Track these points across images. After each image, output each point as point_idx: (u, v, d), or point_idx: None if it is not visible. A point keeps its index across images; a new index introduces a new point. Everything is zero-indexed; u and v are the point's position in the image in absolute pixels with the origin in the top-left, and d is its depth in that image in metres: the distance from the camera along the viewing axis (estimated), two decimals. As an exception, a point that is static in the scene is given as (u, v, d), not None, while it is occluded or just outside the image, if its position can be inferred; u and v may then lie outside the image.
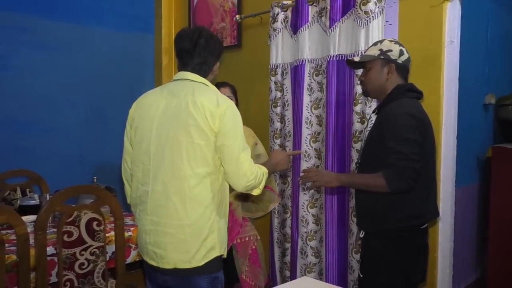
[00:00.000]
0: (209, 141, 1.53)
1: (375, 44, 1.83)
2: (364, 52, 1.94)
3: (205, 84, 1.65)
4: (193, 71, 1.66)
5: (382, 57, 1.75)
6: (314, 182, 1.81)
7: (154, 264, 1.62)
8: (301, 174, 1.91)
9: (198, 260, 1.55)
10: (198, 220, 1.54)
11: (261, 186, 1.65)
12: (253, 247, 2.46)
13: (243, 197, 2.44)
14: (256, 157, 2.51)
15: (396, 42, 1.79)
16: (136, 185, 1.67)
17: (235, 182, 1.58)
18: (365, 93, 1.89)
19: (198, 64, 1.66)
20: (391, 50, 1.75)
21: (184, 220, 1.54)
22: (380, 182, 1.61)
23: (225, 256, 1.68)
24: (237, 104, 2.47)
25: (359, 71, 2.22)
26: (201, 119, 1.52)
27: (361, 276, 1.79)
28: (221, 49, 1.74)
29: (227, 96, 2.39)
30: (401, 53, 1.76)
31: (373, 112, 1.90)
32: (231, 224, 2.37)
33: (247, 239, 2.44)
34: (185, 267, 1.56)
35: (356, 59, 1.85)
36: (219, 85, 2.46)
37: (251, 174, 1.57)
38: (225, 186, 1.64)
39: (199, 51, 1.65)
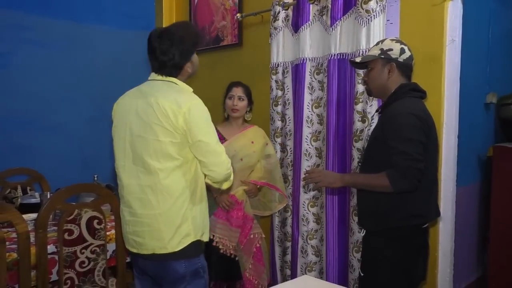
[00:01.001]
0: (174, 138, 1.62)
1: (377, 44, 1.83)
2: (367, 51, 1.94)
3: (173, 82, 1.71)
4: (160, 70, 1.72)
5: (382, 56, 1.75)
6: (317, 183, 1.82)
7: (135, 251, 1.75)
8: (303, 175, 1.91)
9: (173, 246, 1.66)
10: (169, 209, 1.64)
11: (232, 178, 1.76)
12: (258, 245, 2.46)
13: (252, 193, 2.46)
14: (265, 157, 2.52)
15: (397, 41, 1.79)
16: (118, 181, 1.80)
17: (216, 172, 1.68)
18: (369, 92, 1.90)
19: (163, 62, 1.69)
20: (391, 49, 1.75)
21: (157, 210, 1.65)
22: (384, 182, 1.61)
23: (206, 240, 1.77)
24: (250, 104, 2.49)
25: (360, 70, 2.22)
26: (163, 118, 1.61)
27: (362, 274, 1.79)
28: (188, 44, 1.70)
29: (238, 96, 2.41)
30: (402, 52, 1.75)
31: (377, 111, 1.89)
32: (243, 221, 2.38)
33: (252, 236, 2.44)
34: (162, 252, 1.67)
35: (358, 59, 1.85)
36: (232, 84, 2.48)
37: (228, 162, 1.70)
38: (198, 175, 1.71)
39: (161, 51, 1.67)
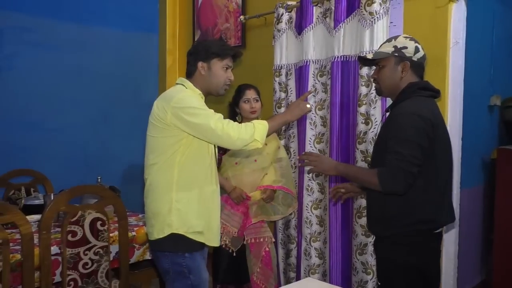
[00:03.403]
0: (165, 133, 1.73)
1: (389, 40, 1.73)
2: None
3: (182, 84, 1.84)
4: (186, 73, 1.89)
5: (396, 54, 1.66)
6: (313, 167, 1.79)
7: None
8: (302, 154, 1.89)
9: (157, 233, 1.77)
10: (156, 200, 1.78)
11: (258, 138, 1.70)
12: (267, 249, 2.46)
13: (270, 198, 2.46)
14: (277, 161, 2.51)
15: (411, 39, 1.69)
16: None
17: (227, 145, 1.76)
18: (378, 91, 1.79)
19: (186, 64, 1.88)
20: (406, 47, 1.66)
21: (149, 199, 1.81)
22: (374, 180, 1.57)
23: (200, 241, 1.78)
24: (261, 106, 2.50)
25: (364, 72, 2.22)
26: (155, 115, 1.75)
27: (379, 284, 1.72)
28: (204, 47, 1.84)
29: (253, 98, 2.43)
30: (416, 50, 1.66)
31: (386, 111, 1.84)
32: (243, 219, 2.39)
33: (261, 240, 2.44)
34: (150, 238, 1.82)
35: (369, 56, 1.77)
36: (245, 87, 2.47)
37: (233, 131, 1.68)
38: (193, 173, 1.77)
39: (187, 55, 1.89)
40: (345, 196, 1.93)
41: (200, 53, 1.82)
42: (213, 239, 1.84)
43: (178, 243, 1.76)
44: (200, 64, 1.82)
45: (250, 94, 2.44)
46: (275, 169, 2.50)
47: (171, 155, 1.74)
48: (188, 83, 1.83)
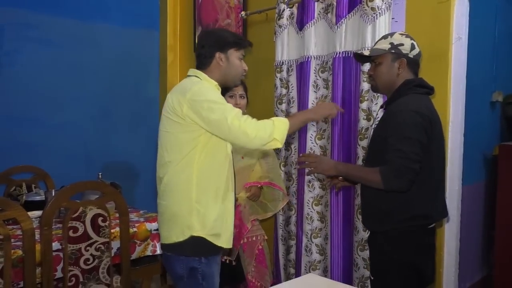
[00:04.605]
0: (182, 129, 1.63)
1: (385, 37, 1.74)
2: (373, 46, 1.89)
3: (197, 76, 1.74)
4: (196, 62, 1.79)
5: (393, 51, 1.67)
6: (312, 168, 1.79)
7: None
8: (300, 156, 1.89)
9: (176, 236, 1.67)
10: (175, 201, 1.68)
11: (278, 137, 1.59)
12: (260, 247, 2.45)
13: (256, 196, 2.44)
14: (263, 156, 2.50)
15: (407, 36, 1.71)
16: None
17: (243, 144, 1.62)
18: (374, 88, 1.80)
19: (197, 57, 1.78)
20: (402, 44, 1.67)
21: (166, 201, 1.71)
22: (376, 178, 1.57)
23: (220, 245, 1.69)
24: (247, 102, 2.46)
25: (365, 67, 2.21)
26: (170, 109, 1.66)
27: (372, 278, 1.74)
28: (220, 38, 1.76)
29: (240, 94, 2.37)
30: (412, 47, 1.68)
31: (381, 107, 1.85)
32: (238, 230, 2.33)
33: (254, 239, 2.43)
34: (166, 242, 1.71)
35: (366, 53, 1.78)
36: None
37: (250, 129, 1.57)
38: (211, 172, 1.67)
39: (198, 47, 1.79)
40: (341, 184, 1.93)
41: (216, 43, 1.73)
42: (227, 241, 1.73)
43: (197, 247, 1.66)
44: (217, 54, 1.73)
45: (237, 89, 2.37)
46: (261, 165, 2.47)
47: (189, 153, 1.63)
48: (202, 74, 1.73)
